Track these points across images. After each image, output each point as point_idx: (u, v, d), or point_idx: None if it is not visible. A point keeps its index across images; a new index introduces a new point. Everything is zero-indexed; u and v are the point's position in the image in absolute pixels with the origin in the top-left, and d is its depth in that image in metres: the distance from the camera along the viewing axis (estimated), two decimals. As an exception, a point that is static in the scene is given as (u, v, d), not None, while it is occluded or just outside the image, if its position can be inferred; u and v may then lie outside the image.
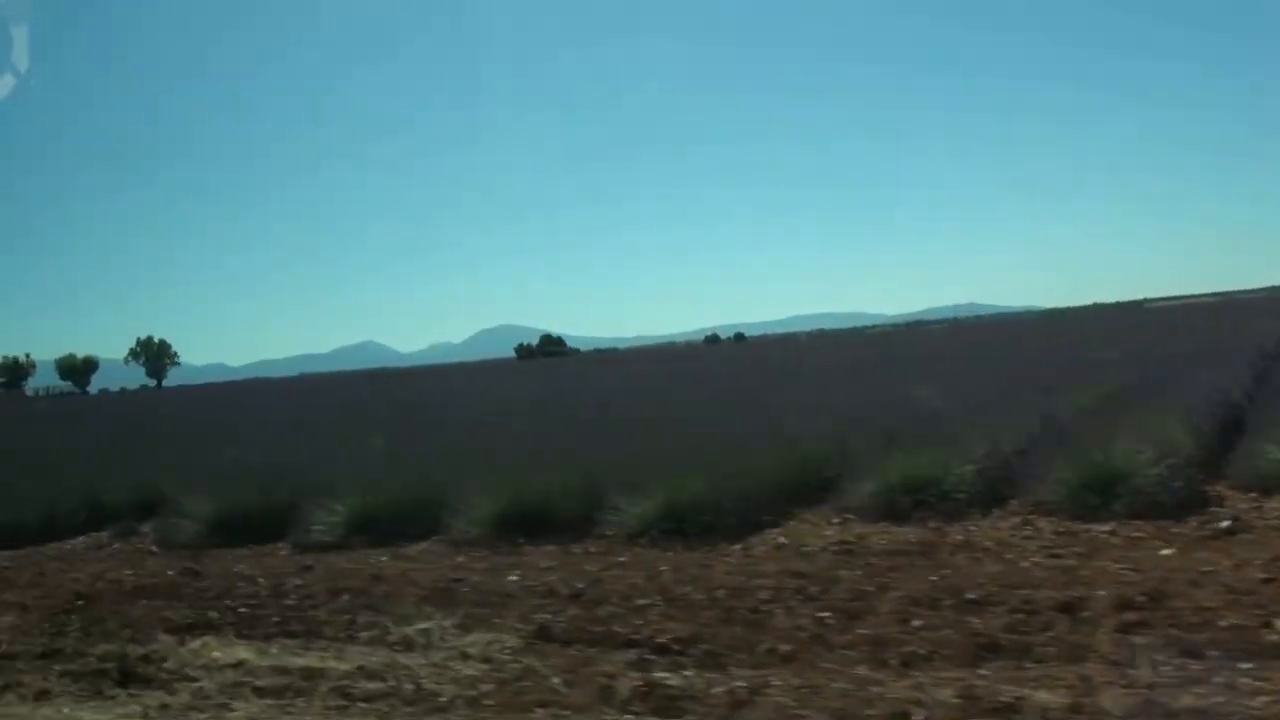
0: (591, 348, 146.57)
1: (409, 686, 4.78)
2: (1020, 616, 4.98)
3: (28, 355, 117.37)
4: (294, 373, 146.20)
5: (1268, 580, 5.26)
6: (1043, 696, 4.02)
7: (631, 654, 4.96)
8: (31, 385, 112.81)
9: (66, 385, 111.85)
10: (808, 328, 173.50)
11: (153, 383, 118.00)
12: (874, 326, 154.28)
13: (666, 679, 4.57)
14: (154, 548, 9.19)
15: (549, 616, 5.65)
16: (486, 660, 5.07)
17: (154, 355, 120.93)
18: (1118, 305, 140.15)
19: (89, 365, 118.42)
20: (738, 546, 7.17)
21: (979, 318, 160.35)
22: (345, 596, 6.51)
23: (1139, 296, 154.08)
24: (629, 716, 4.26)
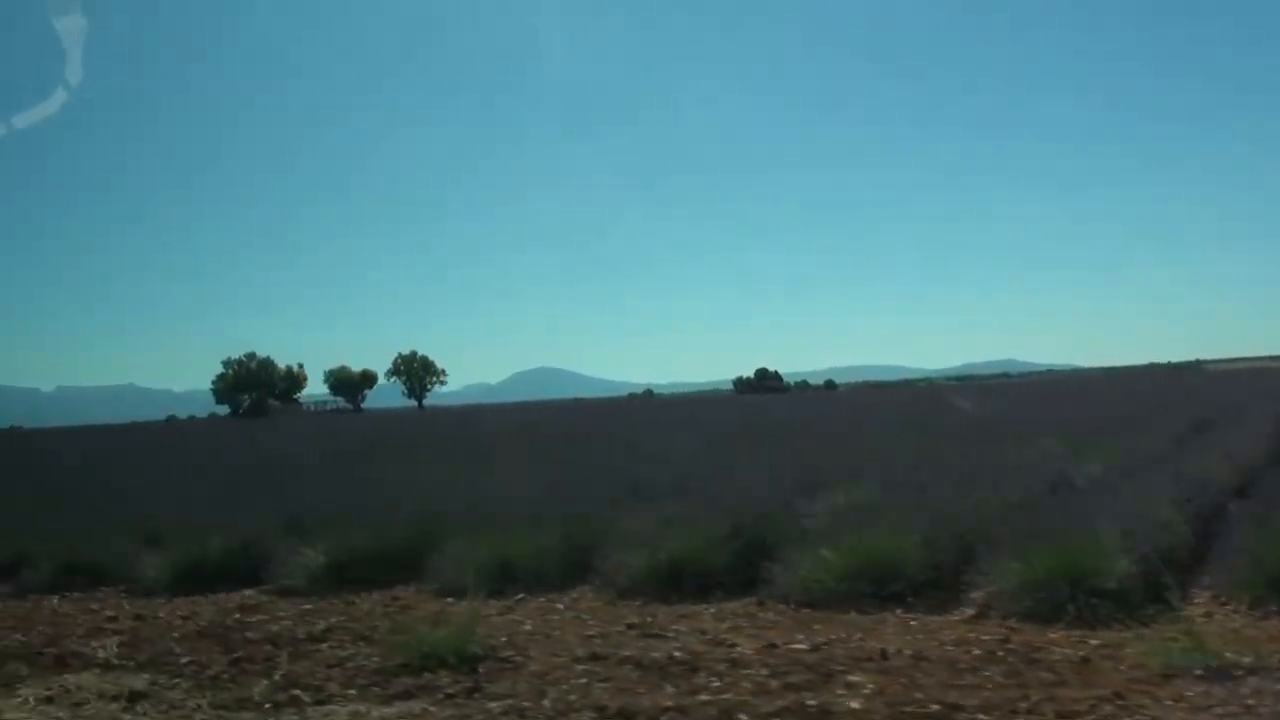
0: (625, 391, 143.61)
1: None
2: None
3: (300, 365, 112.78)
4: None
5: None
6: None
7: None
8: (304, 398, 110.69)
9: (337, 400, 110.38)
10: (852, 379, 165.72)
11: (413, 402, 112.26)
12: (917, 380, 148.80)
13: None
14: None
15: None
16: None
17: (415, 373, 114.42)
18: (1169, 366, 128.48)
19: (367, 379, 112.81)
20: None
21: (1023, 375, 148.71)
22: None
23: (1194, 357, 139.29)
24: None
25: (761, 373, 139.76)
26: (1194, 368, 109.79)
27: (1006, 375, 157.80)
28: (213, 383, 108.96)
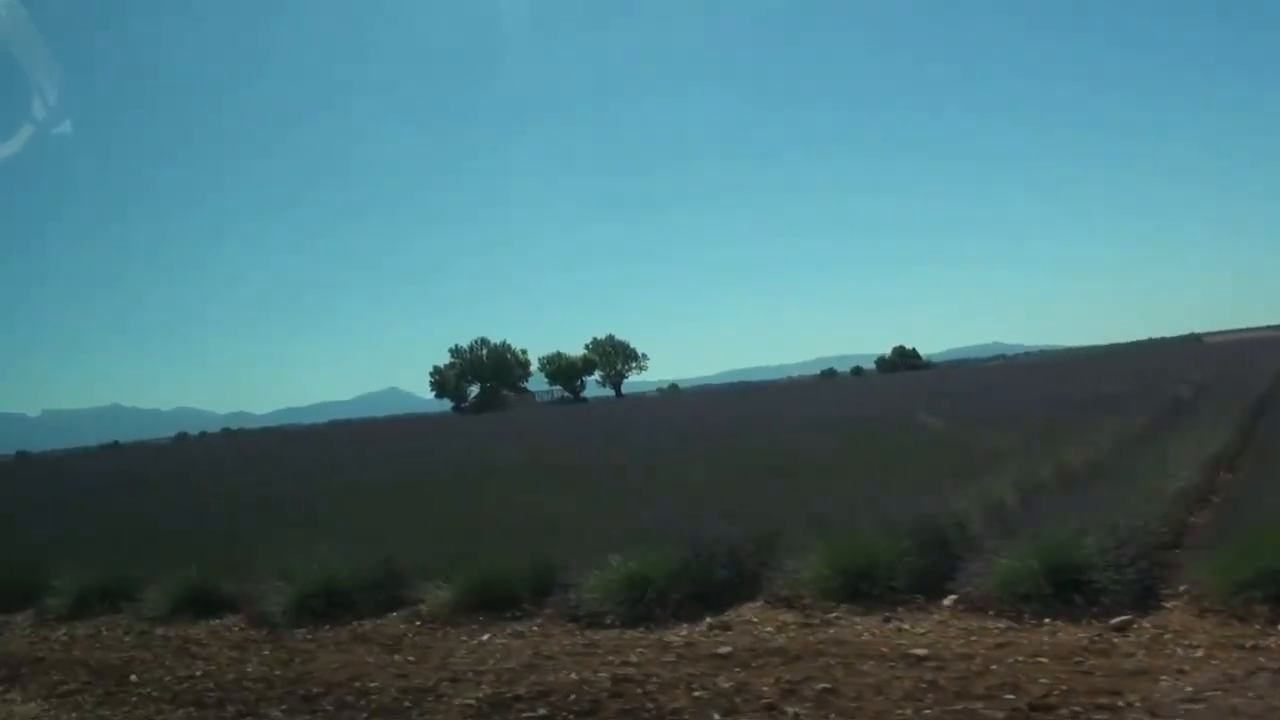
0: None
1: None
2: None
3: (524, 351, 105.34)
4: (323, 420, 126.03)
5: None
6: None
7: None
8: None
9: (554, 389, 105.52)
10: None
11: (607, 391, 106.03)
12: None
13: None
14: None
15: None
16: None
17: (611, 360, 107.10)
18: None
19: (587, 365, 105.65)
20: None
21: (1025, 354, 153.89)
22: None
23: (1195, 330, 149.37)
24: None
25: (900, 350, 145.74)
26: (1193, 340, 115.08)
27: (1003, 357, 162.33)
28: (432, 374, 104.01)
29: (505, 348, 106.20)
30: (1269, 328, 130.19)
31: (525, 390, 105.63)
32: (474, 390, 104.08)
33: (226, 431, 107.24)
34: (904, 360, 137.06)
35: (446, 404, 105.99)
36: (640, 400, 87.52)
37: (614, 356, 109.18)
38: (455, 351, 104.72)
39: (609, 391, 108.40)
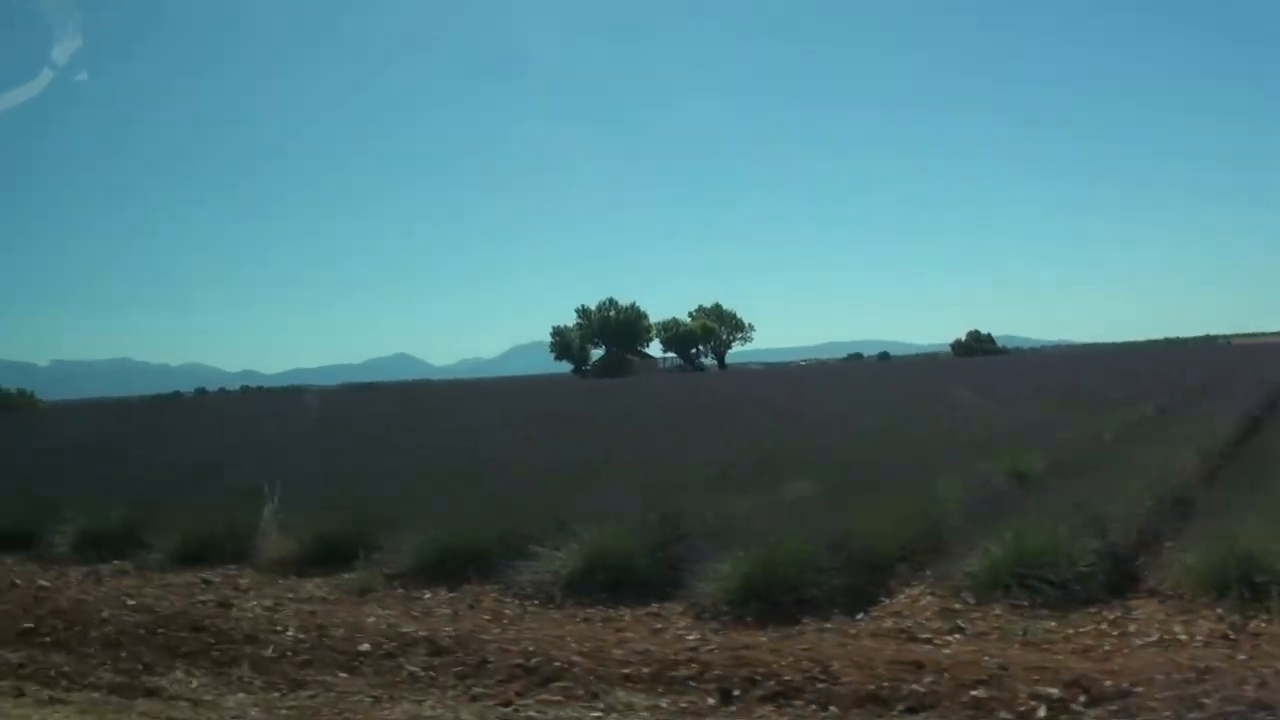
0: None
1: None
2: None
3: (645, 315, 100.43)
4: (332, 382, 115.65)
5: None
6: None
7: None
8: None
9: (670, 356, 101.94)
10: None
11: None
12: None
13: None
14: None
15: None
16: None
17: (717, 329, 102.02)
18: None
19: (706, 333, 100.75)
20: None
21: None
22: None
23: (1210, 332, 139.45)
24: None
25: (976, 335, 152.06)
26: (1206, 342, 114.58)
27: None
28: (553, 334, 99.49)
29: (636, 310, 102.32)
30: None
31: (649, 356, 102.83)
32: (596, 354, 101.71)
33: (245, 389, 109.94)
34: (979, 345, 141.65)
35: (535, 368, 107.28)
36: (760, 373, 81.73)
37: (719, 326, 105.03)
38: (582, 312, 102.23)
39: (711, 361, 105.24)
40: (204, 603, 7.35)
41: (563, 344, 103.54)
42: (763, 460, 10.81)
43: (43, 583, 8.11)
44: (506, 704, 5.15)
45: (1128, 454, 10.58)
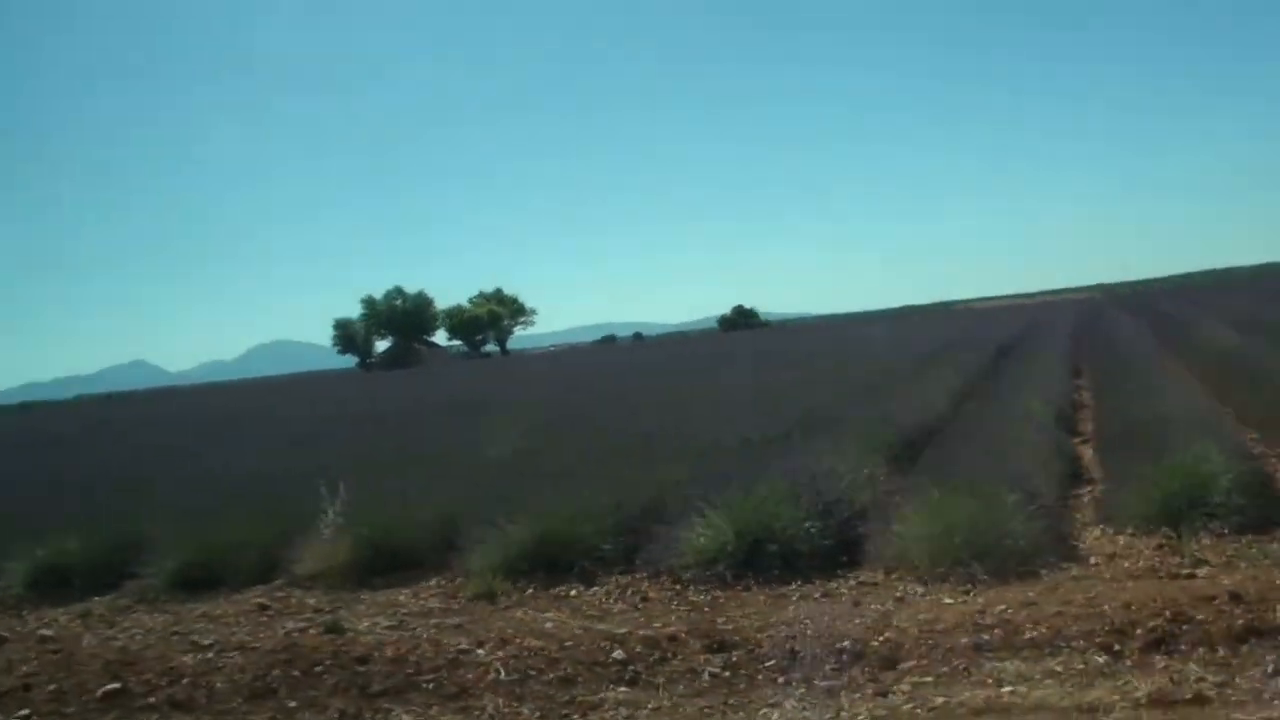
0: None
1: None
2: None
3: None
4: (69, 395, 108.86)
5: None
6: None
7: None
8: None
9: (454, 344, 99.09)
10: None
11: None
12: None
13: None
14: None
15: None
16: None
17: (498, 315, 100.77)
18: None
19: (493, 319, 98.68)
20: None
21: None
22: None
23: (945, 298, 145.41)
24: None
25: (739, 309, 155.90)
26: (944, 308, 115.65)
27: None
28: (336, 327, 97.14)
29: (424, 297, 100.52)
30: (1017, 296, 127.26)
31: (435, 345, 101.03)
32: (380, 346, 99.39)
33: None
34: (744, 320, 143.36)
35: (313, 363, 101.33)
36: (547, 356, 79.95)
37: (501, 311, 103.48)
38: (368, 302, 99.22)
39: (494, 348, 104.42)
40: (302, 630, 6.24)
41: (346, 337, 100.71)
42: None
43: (45, 632, 6.84)
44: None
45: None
